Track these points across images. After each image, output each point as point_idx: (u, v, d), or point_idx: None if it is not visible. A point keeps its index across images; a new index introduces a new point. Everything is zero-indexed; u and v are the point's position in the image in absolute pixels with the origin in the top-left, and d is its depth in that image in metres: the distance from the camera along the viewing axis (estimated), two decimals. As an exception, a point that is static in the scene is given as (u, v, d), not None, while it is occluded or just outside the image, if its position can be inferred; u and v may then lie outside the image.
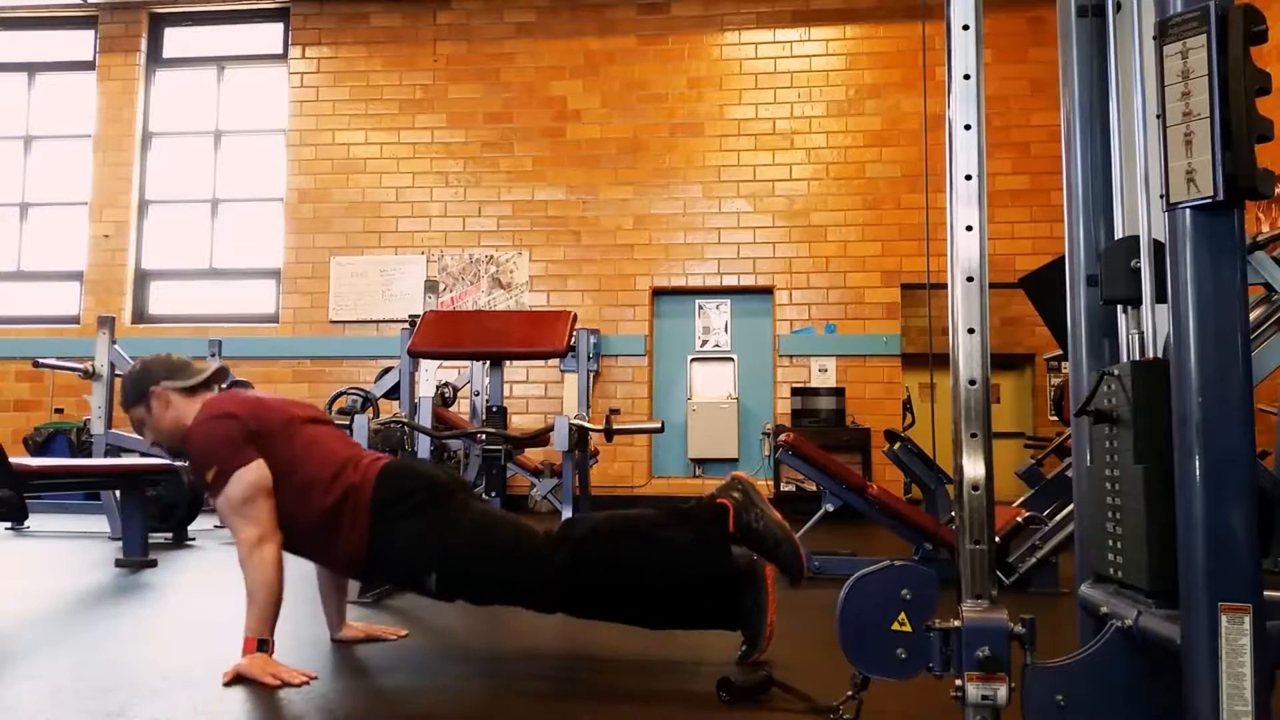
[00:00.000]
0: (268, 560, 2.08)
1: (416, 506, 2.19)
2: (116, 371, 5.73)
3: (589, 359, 4.44)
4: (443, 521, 2.18)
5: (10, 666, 2.19)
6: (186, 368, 2.34)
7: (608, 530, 2.23)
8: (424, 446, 5.61)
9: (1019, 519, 3.63)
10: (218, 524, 5.50)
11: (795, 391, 8.02)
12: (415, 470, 2.32)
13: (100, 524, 5.40)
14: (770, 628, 2.19)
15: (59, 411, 8.38)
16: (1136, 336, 1.47)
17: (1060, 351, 2.84)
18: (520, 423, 8.07)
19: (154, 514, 4.68)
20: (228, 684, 1.98)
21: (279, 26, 9.09)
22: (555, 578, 2.14)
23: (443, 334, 3.92)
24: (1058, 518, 3.60)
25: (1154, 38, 1.26)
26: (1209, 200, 1.17)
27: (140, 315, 8.93)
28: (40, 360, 6.31)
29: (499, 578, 2.17)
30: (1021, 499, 3.98)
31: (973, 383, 1.43)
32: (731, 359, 8.38)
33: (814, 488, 4.65)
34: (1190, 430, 1.18)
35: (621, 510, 2.33)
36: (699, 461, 8.25)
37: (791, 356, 8.21)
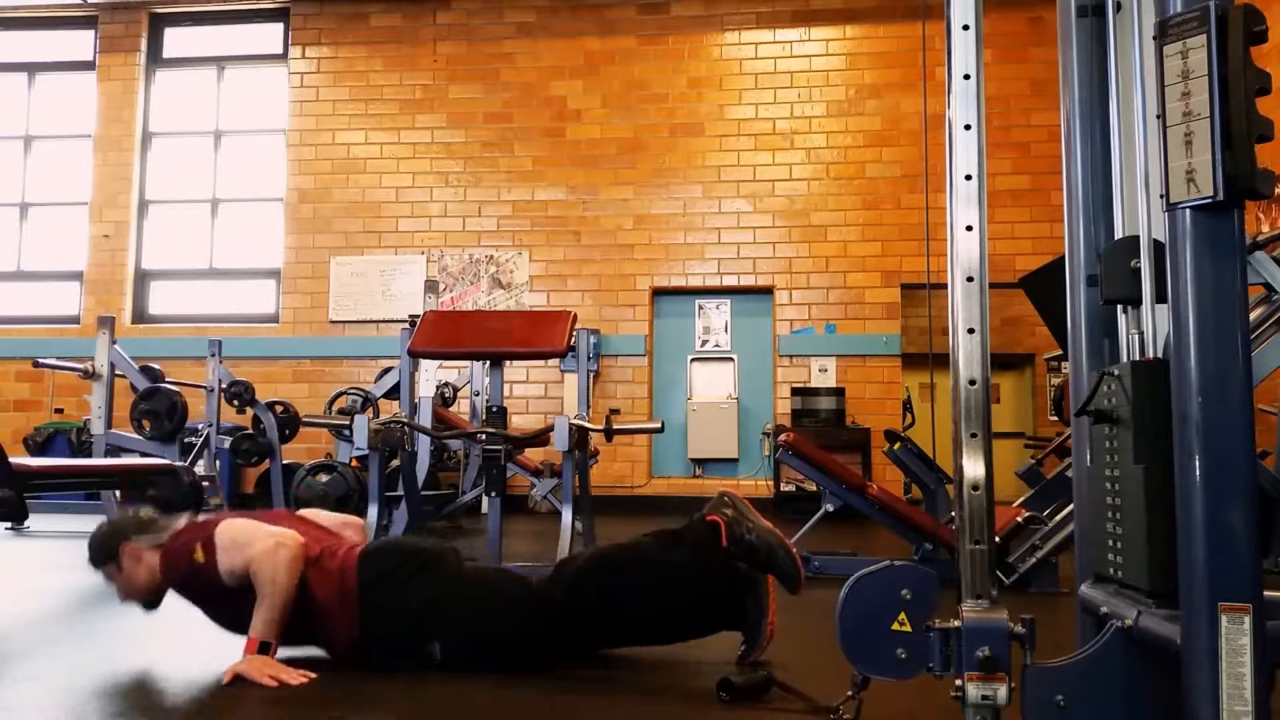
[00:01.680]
0: (282, 560, 2.07)
1: (404, 581, 2.17)
2: (117, 371, 5.73)
3: (589, 359, 4.44)
4: (435, 588, 2.17)
5: (10, 666, 2.19)
6: (155, 523, 2.32)
7: (602, 562, 2.23)
8: (424, 446, 5.61)
9: (1019, 519, 3.63)
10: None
11: (795, 391, 8.02)
12: (394, 546, 2.31)
13: (97, 525, 5.39)
14: (771, 628, 2.19)
15: (59, 411, 8.39)
16: (1136, 336, 1.47)
17: (1060, 351, 2.84)
18: (520, 423, 8.07)
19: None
20: (227, 684, 1.98)
21: (279, 26, 9.09)
22: (553, 614, 2.14)
23: (443, 334, 3.92)
24: (1058, 518, 3.60)
25: (1154, 38, 1.26)
26: (1209, 200, 1.17)
27: (140, 315, 8.93)
28: (40, 360, 6.31)
29: (503, 630, 2.14)
30: (1021, 499, 3.98)
31: (973, 383, 1.43)
32: (731, 359, 8.38)
33: (814, 488, 4.65)
34: (1190, 430, 1.18)
35: (612, 543, 2.34)
36: (699, 461, 8.25)
37: (791, 356, 8.21)
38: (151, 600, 2.29)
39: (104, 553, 2.29)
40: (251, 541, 2.10)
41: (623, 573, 2.20)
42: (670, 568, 2.19)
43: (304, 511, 2.48)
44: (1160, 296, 1.39)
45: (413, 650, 2.16)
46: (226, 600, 2.15)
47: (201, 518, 2.27)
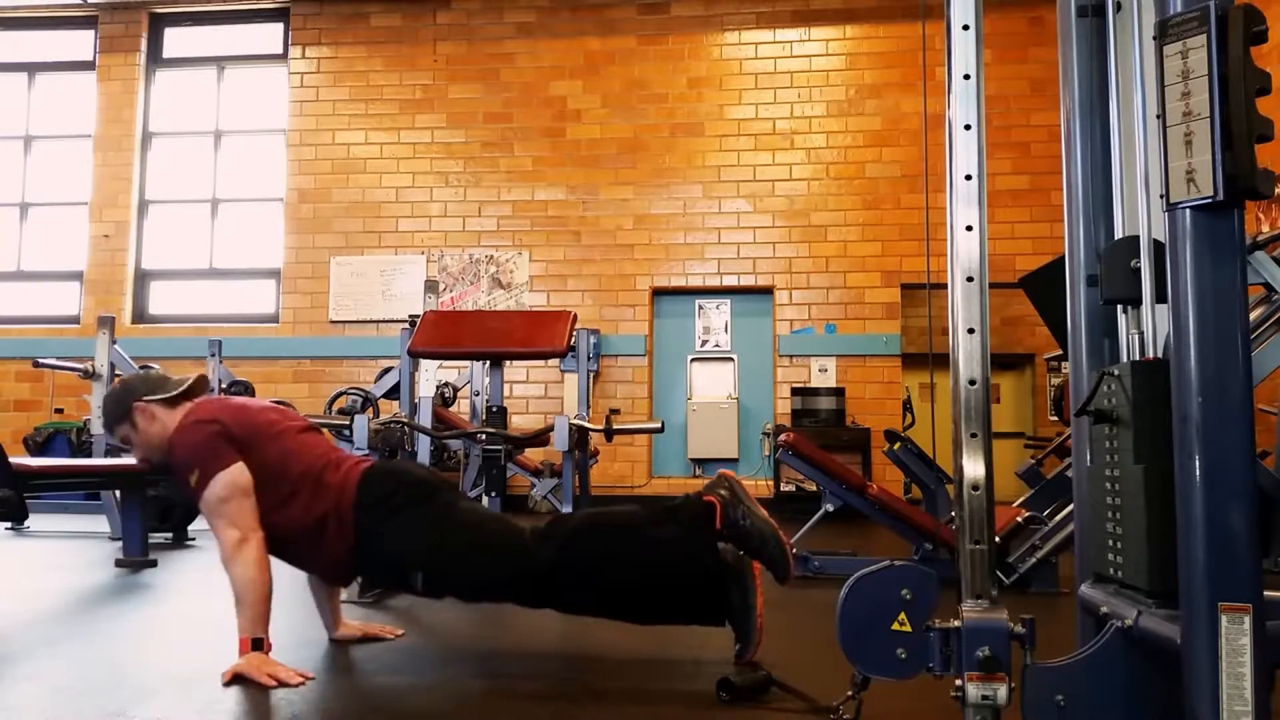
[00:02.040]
0: (250, 559, 2.08)
1: (399, 507, 2.20)
2: (116, 372, 5.73)
3: (589, 359, 4.44)
4: (426, 520, 2.19)
5: (10, 666, 2.19)
6: (166, 381, 2.36)
7: (593, 527, 2.24)
8: (424, 446, 5.61)
9: (1019, 519, 3.63)
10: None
11: (795, 391, 8.02)
12: (398, 471, 2.33)
13: (100, 524, 5.40)
14: (760, 623, 2.18)
15: (59, 411, 8.38)
16: (1136, 336, 1.47)
17: (1060, 351, 2.84)
18: (520, 423, 8.07)
19: (154, 514, 4.68)
20: (227, 684, 1.98)
21: (279, 26, 9.09)
22: (541, 573, 2.15)
23: (443, 334, 3.92)
24: (1058, 518, 3.60)
25: (1154, 38, 1.26)
26: (1209, 200, 1.17)
27: (140, 315, 8.93)
28: (40, 360, 6.31)
29: (484, 574, 2.18)
30: (1021, 499, 3.98)
31: (973, 383, 1.43)
32: (731, 359, 8.38)
33: (814, 488, 4.65)
34: (1190, 430, 1.18)
35: (608, 507, 2.34)
36: (699, 461, 8.25)
37: (791, 356, 8.21)
38: (166, 462, 2.31)
39: (118, 413, 2.31)
40: (224, 517, 2.12)
41: (612, 542, 2.20)
42: (660, 543, 2.18)
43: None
44: (1160, 296, 1.39)
45: (397, 576, 2.19)
46: None
47: (209, 410, 2.25)
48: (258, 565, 2.09)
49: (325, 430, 2.49)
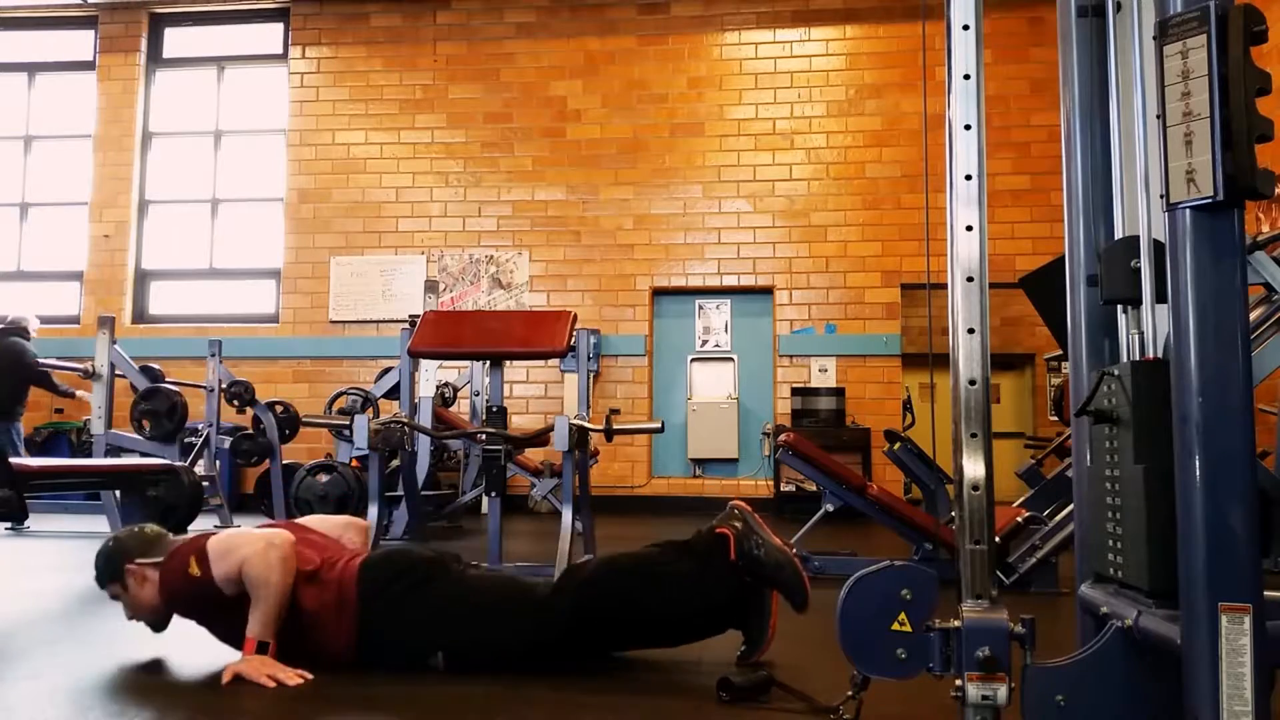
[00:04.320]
0: (273, 560, 2.07)
1: (408, 589, 2.16)
2: (117, 371, 5.73)
3: (589, 359, 4.44)
4: (437, 596, 2.16)
5: (10, 666, 2.19)
6: (161, 540, 2.30)
7: (609, 572, 2.22)
8: (424, 446, 5.61)
9: (1019, 519, 3.63)
10: (218, 524, 5.50)
11: (795, 391, 8.02)
12: (398, 554, 2.30)
13: (100, 524, 5.40)
14: (772, 630, 2.20)
15: (59, 411, 8.38)
16: (1136, 336, 1.47)
17: (1060, 351, 2.84)
18: (520, 423, 8.07)
19: (154, 514, 4.67)
20: (226, 684, 1.98)
21: (279, 26, 9.09)
22: (561, 627, 2.14)
23: (443, 334, 3.92)
24: (1058, 518, 3.60)
25: (1154, 38, 1.26)
26: (1209, 200, 1.17)
27: (140, 315, 8.93)
28: (40, 360, 6.31)
29: (506, 639, 2.14)
30: (1021, 499, 3.98)
31: (973, 383, 1.43)
32: (731, 359, 8.38)
33: (814, 488, 4.65)
34: (1190, 430, 1.18)
35: (620, 552, 2.33)
36: (699, 461, 8.25)
37: (791, 356, 8.21)
38: (158, 621, 2.29)
39: (109, 573, 2.28)
40: (241, 545, 2.10)
41: (629, 585, 2.19)
42: (677, 579, 2.18)
43: (303, 520, 2.48)
44: (1160, 296, 1.39)
45: (415, 660, 2.16)
46: (227, 613, 2.13)
47: (194, 535, 2.26)
48: (280, 566, 2.07)
49: (314, 524, 2.45)
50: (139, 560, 2.25)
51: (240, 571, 2.07)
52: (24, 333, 6.44)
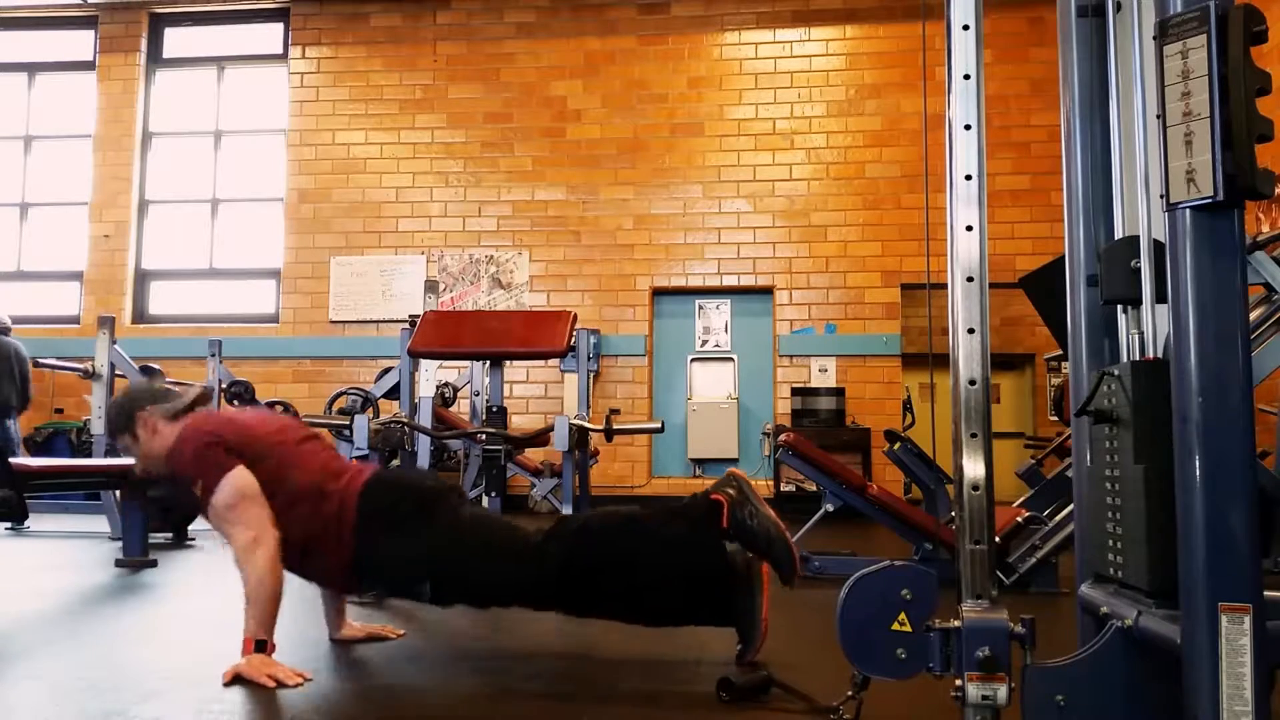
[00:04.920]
0: (262, 561, 2.08)
1: (404, 517, 2.18)
2: (117, 371, 5.73)
3: (589, 359, 4.44)
4: (432, 528, 2.18)
5: (10, 666, 2.19)
6: (169, 394, 2.36)
7: (600, 527, 2.23)
8: (424, 446, 5.61)
9: (1019, 519, 3.63)
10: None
11: (795, 391, 8.02)
12: (401, 480, 2.32)
13: (100, 524, 5.40)
14: (764, 625, 2.18)
15: (59, 411, 8.39)
16: (1136, 336, 1.47)
17: (1060, 351, 2.83)
18: (520, 423, 8.07)
19: (154, 514, 4.67)
20: (227, 684, 1.98)
21: (279, 26, 9.09)
22: (549, 575, 2.14)
23: (443, 334, 3.92)
24: (1058, 518, 3.60)
25: (1154, 38, 1.26)
26: (1209, 200, 1.17)
27: (140, 315, 8.93)
28: (40, 360, 6.31)
29: (492, 579, 2.17)
30: (1021, 499, 3.98)
31: (973, 383, 1.43)
32: (731, 359, 8.38)
33: (814, 488, 4.65)
34: (1190, 430, 1.18)
35: (614, 507, 2.33)
36: (699, 461, 8.25)
37: (791, 356, 8.21)
38: (167, 474, 2.32)
39: (120, 421, 2.31)
40: (235, 522, 2.11)
41: (619, 540, 2.20)
42: (666, 541, 2.18)
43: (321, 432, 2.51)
44: (1160, 296, 1.39)
45: (405, 586, 2.18)
46: None
47: (205, 423, 2.25)
48: (270, 566, 2.08)
49: (327, 435, 2.48)
50: (150, 408, 2.29)
51: (230, 540, 2.11)
52: (6, 330, 6.54)
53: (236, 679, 2.00)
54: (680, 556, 2.17)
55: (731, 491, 2.20)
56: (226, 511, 2.13)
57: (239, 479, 2.15)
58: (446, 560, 2.17)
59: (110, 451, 5.56)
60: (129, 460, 5.13)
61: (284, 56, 9.02)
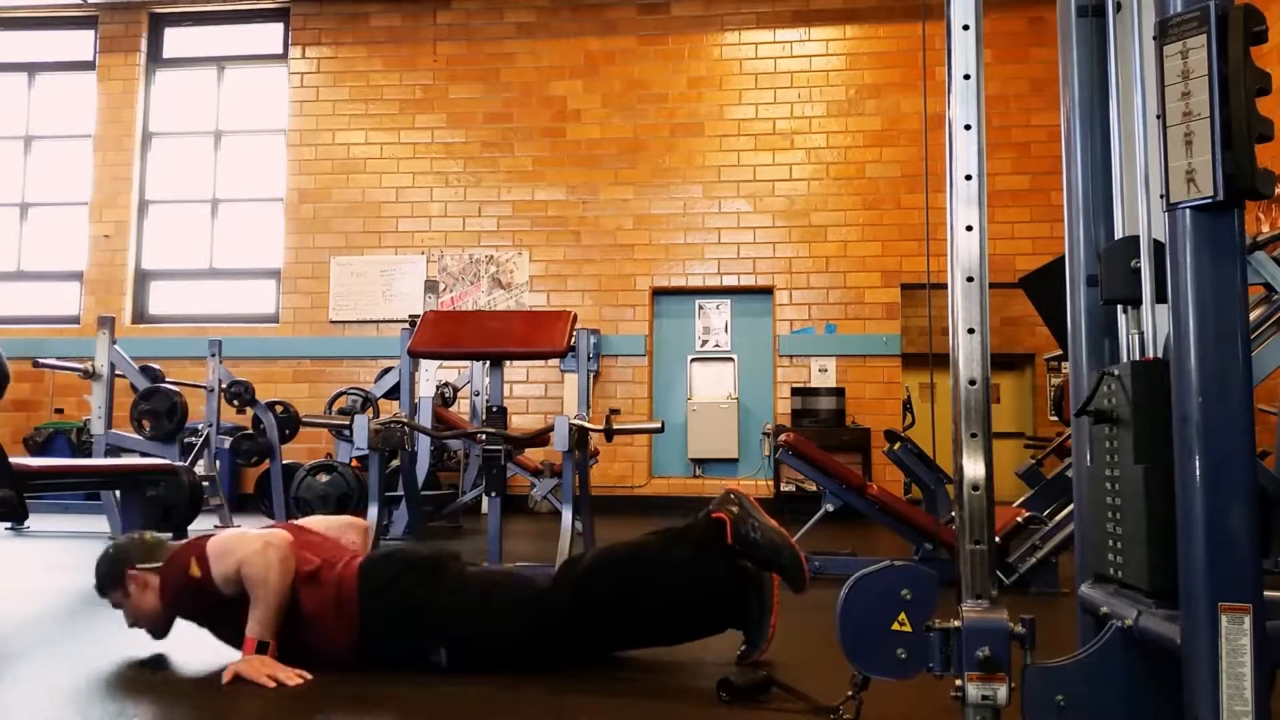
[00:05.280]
0: (271, 560, 2.07)
1: (405, 591, 2.16)
2: (117, 371, 5.73)
3: (589, 359, 4.44)
4: (437, 594, 2.16)
5: (10, 666, 2.19)
6: (160, 547, 2.30)
7: (606, 562, 2.22)
8: (424, 446, 5.61)
9: (1019, 519, 3.63)
10: (218, 524, 5.50)
11: (795, 391, 8.02)
12: (397, 555, 2.30)
13: (100, 524, 5.40)
14: (772, 629, 2.19)
15: (59, 411, 8.39)
16: (1136, 336, 1.47)
17: (1060, 351, 2.83)
18: (520, 423, 8.07)
19: (154, 514, 4.67)
20: (227, 684, 1.98)
21: (279, 26, 9.09)
22: (561, 618, 2.13)
23: (443, 334, 3.92)
24: (1058, 518, 3.60)
25: (1154, 38, 1.26)
26: (1209, 200, 1.17)
27: (140, 315, 8.93)
28: (40, 360, 6.32)
29: (508, 633, 2.14)
30: (1021, 499, 3.98)
31: (973, 383, 1.43)
32: (731, 359, 8.38)
33: (814, 488, 4.65)
34: (1190, 430, 1.18)
35: (616, 542, 2.33)
36: (699, 461, 8.25)
37: (791, 356, 8.21)
38: (159, 628, 2.29)
39: (110, 580, 2.28)
40: (240, 545, 2.10)
41: (627, 573, 2.19)
42: (674, 566, 2.18)
43: (303, 520, 2.48)
44: (1160, 296, 1.39)
45: (416, 658, 2.16)
46: (228, 613, 2.14)
47: (194, 538, 2.26)
48: (278, 567, 2.07)
49: (318, 525, 2.45)
50: (140, 566, 2.25)
51: (239, 571, 2.07)
52: None
53: (236, 679, 2.00)
54: (689, 580, 2.18)
55: (733, 509, 2.20)
56: (227, 543, 2.12)
57: (221, 533, 2.16)
58: (456, 620, 2.15)
59: (110, 451, 5.57)
60: (129, 460, 5.13)
61: (284, 56, 9.02)
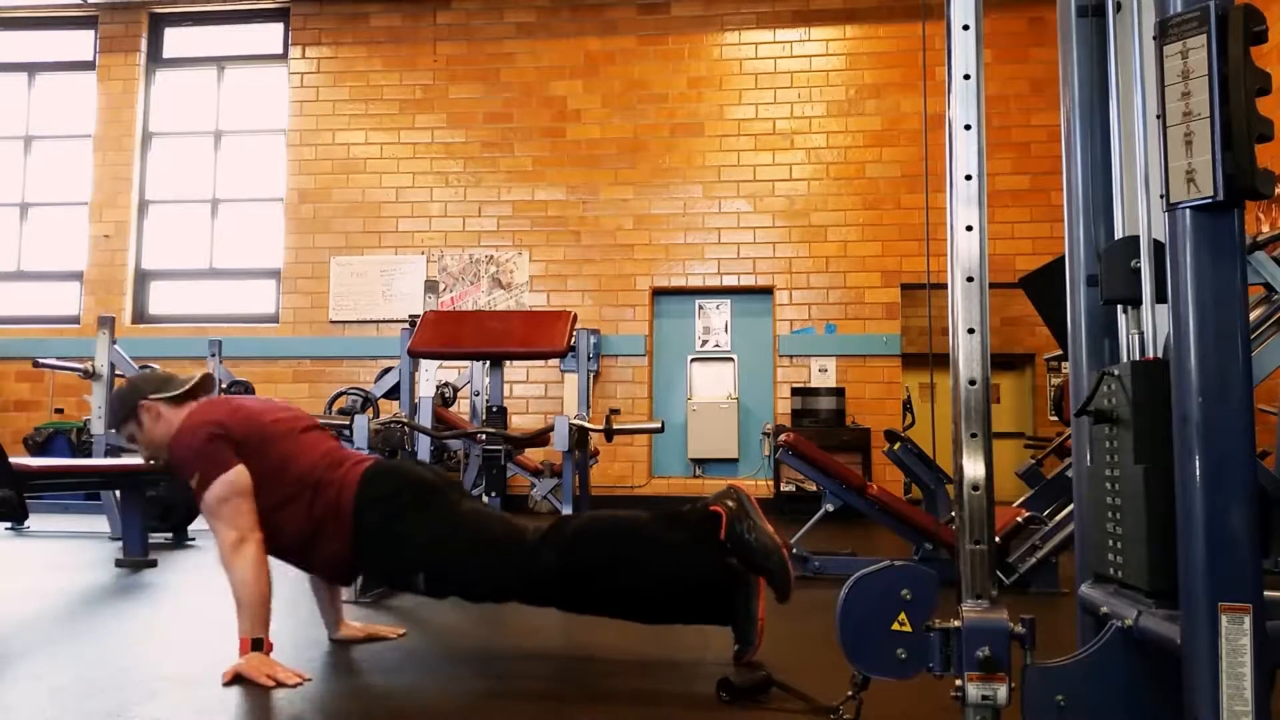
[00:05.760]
0: (247, 560, 2.08)
1: (402, 507, 2.19)
2: (117, 372, 5.73)
3: (589, 359, 4.44)
4: (429, 521, 2.19)
5: (10, 666, 2.19)
6: (172, 380, 2.37)
7: (597, 531, 2.22)
8: (424, 446, 5.60)
9: (1019, 519, 3.63)
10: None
11: (795, 391, 8.02)
12: (401, 471, 2.32)
13: (100, 524, 5.40)
14: (761, 624, 2.19)
15: (59, 411, 8.38)
16: (1136, 336, 1.47)
17: (1060, 351, 2.83)
18: (520, 423, 8.07)
19: (154, 514, 4.68)
20: (227, 684, 1.98)
21: (279, 26, 9.09)
22: (545, 575, 2.15)
23: (443, 334, 3.92)
24: (1058, 518, 3.60)
25: (1154, 38, 1.26)
26: (1209, 200, 1.17)
27: (140, 315, 8.93)
28: (40, 360, 6.31)
29: (487, 574, 2.17)
30: (1021, 499, 3.98)
31: (973, 383, 1.43)
32: (731, 359, 8.38)
33: (814, 488, 4.65)
34: (1190, 430, 1.18)
35: (612, 510, 2.33)
36: (699, 461, 8.25)
37: (791, 356, 8.21)
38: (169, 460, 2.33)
39: (124, 411, 2.32)
40: (222, 518, 2.13)
41: (619, 546, 2.19)
42: (663, 547, 2.18)
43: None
44: (1160, 296, 1.39)
45: (399, 576, 2.19)
46: None
47: (210, 412, 2.25)
48: (255, 567, 2.09)
49: (329, 427, 2.48)
50: (153, 396, 2.30)
51: (216, 537, 2.12)
52: None
53: (236, 679, 2.00)
54: (676, 566, 2.17)
55: (731, 504, 2.20)
56: (217, 507, 2.14)
57: (233, 477, 2.16)
58: (442, 552, 2.18)
59: (110, 451, 5.57)
60: (129, 460, 5.13)
61: (284, 56, 9.02)
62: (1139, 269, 1.45)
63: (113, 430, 2.37)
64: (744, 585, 2.19)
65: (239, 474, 2.16)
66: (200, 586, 3.54)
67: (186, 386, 2.35)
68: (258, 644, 2.06)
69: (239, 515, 2.14)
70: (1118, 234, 1.56)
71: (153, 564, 3.97)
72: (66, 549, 4.62)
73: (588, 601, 2.22)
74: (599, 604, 2.22)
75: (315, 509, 2.19)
